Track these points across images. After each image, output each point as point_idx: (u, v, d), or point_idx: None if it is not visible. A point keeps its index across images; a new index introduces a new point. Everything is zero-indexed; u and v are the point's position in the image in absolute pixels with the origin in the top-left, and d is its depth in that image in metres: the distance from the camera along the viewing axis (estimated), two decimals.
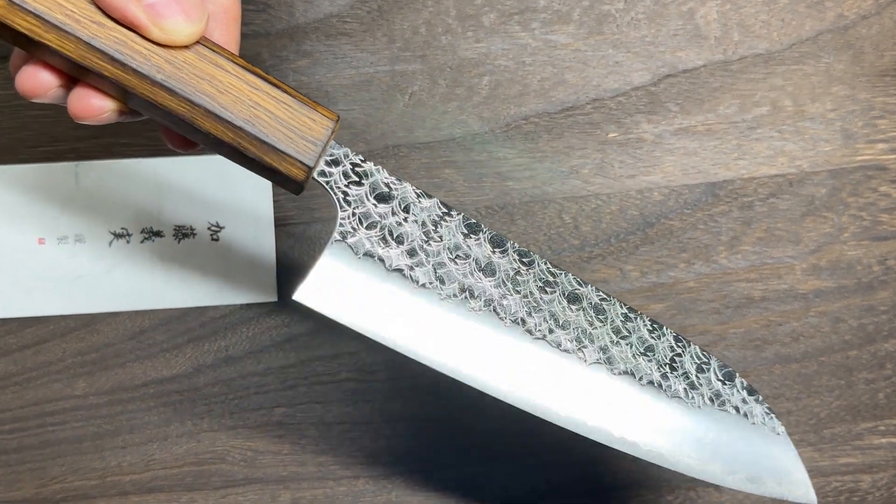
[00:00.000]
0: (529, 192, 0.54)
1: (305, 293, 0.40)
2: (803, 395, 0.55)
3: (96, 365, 0.53)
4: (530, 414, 0.41)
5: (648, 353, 0.44)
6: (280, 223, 0.54)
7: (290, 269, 0.54)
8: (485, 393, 0.41)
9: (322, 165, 0.41)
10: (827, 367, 0.55)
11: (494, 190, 0.54)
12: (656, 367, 0.44)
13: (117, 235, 0.53)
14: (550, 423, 0.41)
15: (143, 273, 0.53)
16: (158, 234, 0.53)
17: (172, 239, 0.53)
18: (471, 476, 0.54)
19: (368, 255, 0.41)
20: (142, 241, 0.53)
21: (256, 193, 0.54)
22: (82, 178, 0.53)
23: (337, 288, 0.41)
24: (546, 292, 0.43)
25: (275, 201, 0.54)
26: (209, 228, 0.53)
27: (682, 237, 0.55)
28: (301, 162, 0.40)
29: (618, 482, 0.54)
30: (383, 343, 0.41)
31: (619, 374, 0.43)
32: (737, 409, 0.45)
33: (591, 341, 0.43)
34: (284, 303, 0.53)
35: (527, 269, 0.43)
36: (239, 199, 0.54)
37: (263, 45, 0.54)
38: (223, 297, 0.54)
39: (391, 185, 0.42)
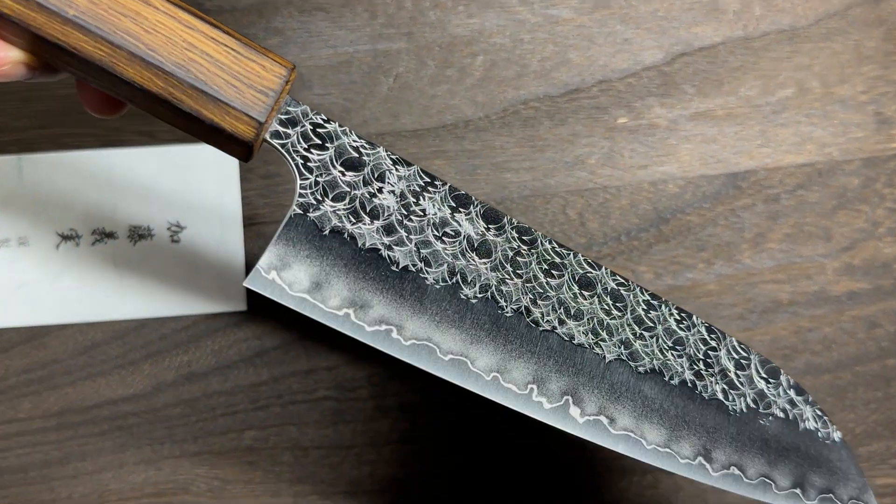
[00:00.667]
0: (529, 186, 0.52)
1: (258, 278, 0.36)
2: (837, 409, 0.53)
3: (42, 384, 0.51)
4: (538, 424, 0.38)
5: (678, 348, 0.40)
6: (249, 222, 0.51)
7: None
8: (482, 405, 0.37)
9: (275, 125, 0.37)
10: (863, 378, 0.53)
11: (490, 183, 0.52)
12: (688, 363, 0.40)
13: (65, 237, 0.51)
14: (564, 434, 0.38)
15: (94, 280, 0.51)
16: (111, 235, 0.51)
17: (127, 241, 0.51)
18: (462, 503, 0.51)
19: (336, 231, 0.37)
20: (93, 244, 0.51)
21: (222, 188, 0.51)
22: (26, 173, 0.50)
23: (298, 271, 0.37)
24: (553, 276, 0.39)
25: (243, 197, 0.51)
26: (169, 228, 0.51)
27: (700, 234, 0.52)
28: (249, 116, 0.35)
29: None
30: (357, 337, 0.37)
31: (645, 372, 0.39)
32: (784, 412, 0.41)
33: (610, 334, 0.39)
34: (254, 312, 0.51)
35: (529, 249, 0.39)
36: (202, 195, 0.51)
37: (229, 22, 0.51)
38: (185, 307, 0.51)
39: (362, 150, 0.38)
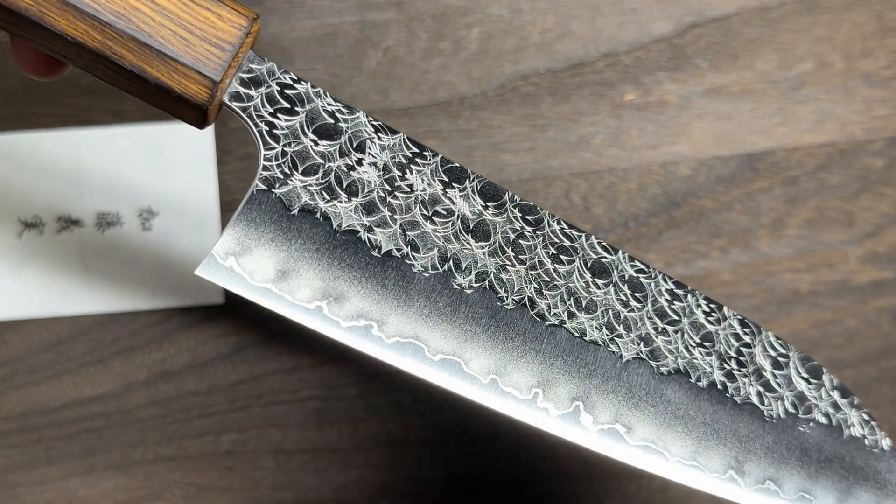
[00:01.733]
0: (530, 168, 0.50)
1: (213, 266, 0.32)
2: None
3: (4, 383, 0.49)
4: (543, 434, 0.34)
5: (706, 344, 0.36)
6: (227, 208, 0.49)
7: None
8: (480, 405, 0.34)
9: (235, 85, 0.33)
10: (888, 374, 0.51)
11: (487, 165, 0.49)
12: (718, 362, 0.36)
13: (28, 225, 0.48)
14: (571, 446, 0.34)
15: (59, 271, 0.48)
16: (77, 222, 0.48)
17: (95, 229, 0.48)
18: None
19: (307, 210, 0.33)
20: (58, 232, 0.48)
21: (197, 171, 0.48)
22: None
23: (260, 257, 0.32)
24: (561, 262, 0.35)
25: (220, 181, 0.49)
26: (139, 215, 0.48)
27: (714, 220, 0.50)
28: (201, 73, 0.31)
29: None
30: (330, 335, 0.33)
31: (669, 373, 0.35)
32: (828, 417, 0.37)
33: (628, 329, 0.35)
34: (232, 306, 0.49)
35: (534, 231, 0.35)
36: (175, 179, 0.48)
37: None
38: (157, 300, 0.49)
39: (338, 115, 0.34)
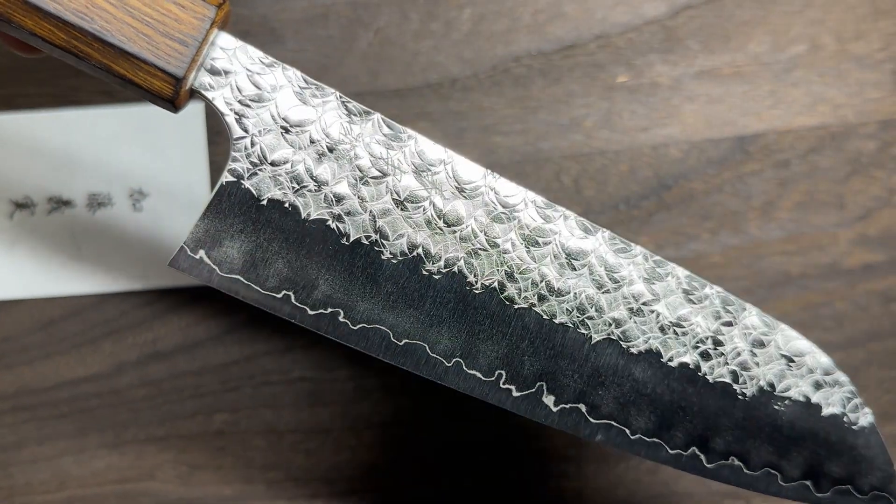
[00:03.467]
0: (521, 150, 0.49)
1: (184, 258, 0.33)
2: None
3: None
4: (514, 414, 0.35)
5: (683, 324, 0.36)
6: None
7: None
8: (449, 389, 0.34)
9: (204, 72, 0.32)
10: (877, 357, 0.51)
11: (479, 147, 0.49)
12: (693, 342, 0.36)
13: (19, 206, 0.48)
14: (542, 426, 0.34)
15: (50, 251, 0.48)
16: (69, 203, 0.48)
17: (86, 209, 0.48)
18: (450, 493, 0.49)
19: (275, 201, 0.33)
20: (49, 213, 0.48)
21: (187, 152, 0.48)
22: None
23: (230, 249, 0.33)
24: (538, 245, 0.35)
25: (211, 162, 0.48)
26: (130, 196, 0.48)
27: (705, 202, 0.50)
28: (164, 71, 0.31)
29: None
30: (296, 322, 0.33)
31: (639, 353, 0.35)
32: (806, 396, 0.37)
33: (600, 311, 0.35)
34: None
35: (510, 214, 0.35)
36: (166, 160, 0.48)
37: None
38: (148, 280, 0.48)
39: (309, 100, 0.33)
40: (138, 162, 0.48)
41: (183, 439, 0.49)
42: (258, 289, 0.33)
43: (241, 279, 0.33)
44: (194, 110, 0.47)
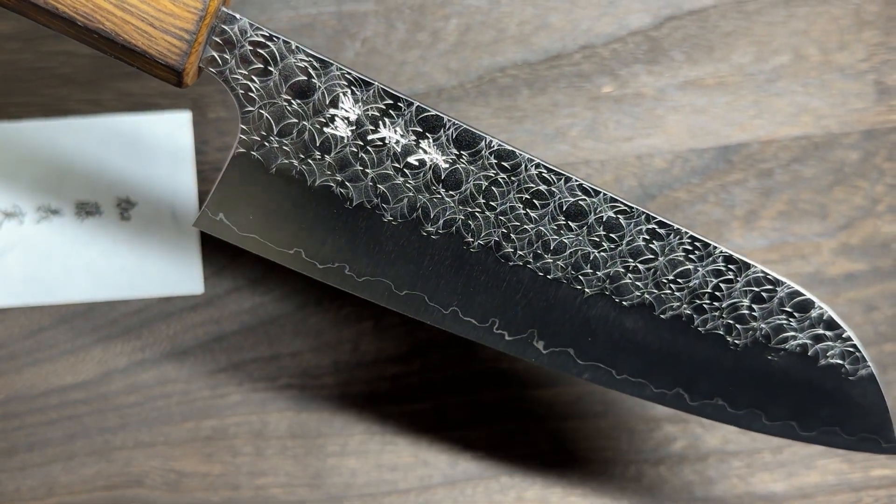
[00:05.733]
0: None
1: (206, 220, 0.36)
2: None
3: None
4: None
5: (679, 281, 0.37)
6: (205, 198, 0.47)
7: (218, 254, 0.49)
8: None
9: (210, 50, 0.34)
10: None
11: None
12: (688, 297, 0.37)
13: (8, 214, 0.48)
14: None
15: (39, 260, 0.48)
16: (57, 212, 0.48)
17: (74, 218, 0.48)
18: (438, 503, 0.50)
19: (283, 169, 0.35)
20: (38, 221, 0.48)
21: (175, 161, 0.48)
22: None
23: (244, 213, 0.36)
24: (535, 206, 0.36)
25: (198, 171, 0.49)
26: (118, 205, 0.48)
27: (689, 211, 0.50)
28: (165, 65, 0.33)
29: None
30: (308, 274, 0.36)
31: (631, 306, 0.37)
32: (803, 347, 0.37)
33: (596, 268, 0.36)
34: (212, 295, 0.49)
35: (509, 177, 0.36)
36: (154, 169, 0.48)
37: None
38: (137, 289, 0.49)
39: (311, 70, 0.35)
40: (126, 171, 0.48)
41: (171, 446, 0.49)
42: (273, 246, 0.36)
43: (258, 238, 0.36)
44: (181, 120, 0.47)
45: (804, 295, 0.37)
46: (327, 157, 0.35)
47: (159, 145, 0.48)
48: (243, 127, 0.35)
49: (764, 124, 0.50)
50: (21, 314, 0.49)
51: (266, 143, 0.35)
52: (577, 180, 0.36)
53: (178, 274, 0.48)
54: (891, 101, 0.50)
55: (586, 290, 0.36)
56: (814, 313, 0.37)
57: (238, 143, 0.35)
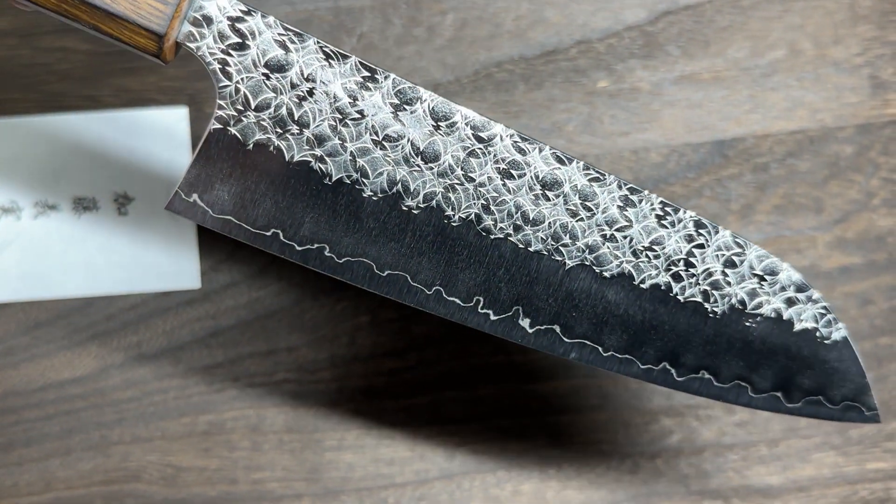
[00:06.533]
0: None
1: (179, 201, 0.35)
2: None
3: None
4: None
5: (655, 248, 0.37)
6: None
7: (215, 250, 0.49)
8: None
9: (187, 26, 0.34)
10: None
11: None
12: (665, 264, 0.37)
13: (5, 210, 0.48)
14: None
15: (37, 255, 0.48)
16: (54, 207, 0.48)
17: (71, 213, 0.48)
18: (435, 497, 0.50)
19: (261, 145, 0.35)
20: (35, 217, 0.48)
21: (172, 157, 0.48)
22: None
23: (220, 192, 0.35)
24: (512, 177, 0.36)
25: None
26: (115, 200, 0.48)
27: (685, 206, 0.49)
28: (147, 30, 0.33)
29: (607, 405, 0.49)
30: (286, 257, 0.35)
31: (612, 276, 0.37)
32: (778, 312, 0.38)
33: (574, 238, 0.37)
34: (209, 290, 0.49)
35: (485, 148, 0.36)
36: (151, 164, 0.48)
37: None
38: (134, 284, 0.49)
39: (289, 45, 0.35)
40: (123, 166, 0.48)
41: (168, 441, 0.49)
42: (249, 227, 0.35)
43: (233, 219, 0.35)
44: (178, 115, 0.47)
45: (771, 257, 0.38)
46: (305, 132, 0.35)
47: (156, 141, 0.48)
48: (220, 102, 0.34)
49: (759, 119, 0.50)
50: (18, 309, 0.49)
51: (243, 118, 0.34)
52: (550, 149, 0.36)
53: (175, 269, 0.48)
54: (885, 95, 0.51)
55: (567, 261, 0.37)
56: (783, 276, 0.38)
57: (215, 118, 0.34)
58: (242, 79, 0.34)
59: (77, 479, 0.49)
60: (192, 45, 0.34)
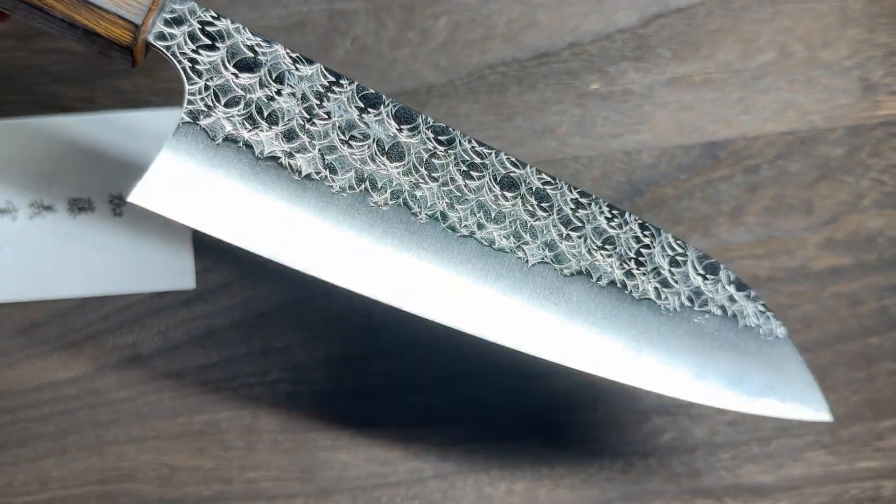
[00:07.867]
0: None
1: (144, 192, 0.35)
2: None
3: None
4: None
5: (608, 247, 0.39)
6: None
7: (209, 250, 0.49)
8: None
9: (160, 25, 0.35)
10: (844, 357, 0.51)
11: None
12: (618, 263, 0.39)
13: (1, 211, 0.49)
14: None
15: (32, 256, 0.49)
16: (50, 208, 0.49)
17: (67, 214, 0.49)
18: (428, 496, 0.50)
19: (230, 140, 0.36)
20: (30, 217, 0.49)
21: None
22: None
23: (190, 185, 0.35)
24: (472, 178, 0.38)
25: None
26: (111, 201, 0.49)
27: (675, 207, 0.50)
28: (124, 19, 0.34)
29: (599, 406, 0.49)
30: (253, 251, 0.35)
31: (571, 274, 0.38)
32: (723, 309, 0.40)
33: (534, 236, 0.38)
34: (203, 291, 0.49)
35: (446, 150, 0.38)
36: (146, 166, 0.47)
37: None
38: (129, 285, 0.49)
39: (257, 49, 0.36)
40: (118, 168, 0.48)
41: (163, 440, 0.49)
42: (216, 222, 0.35)
43: (202, 213, 0.35)
44: (173, 117, 0.48)
45: (710, 258, 0.40)
46: (274, 129, 0.36)
47: (151, 142, 0.48)
48: (190, 98, 0.35)
49: (750, 120, 0.51)
50: (14, 309, 0.49)
51: (213, 113, 0.35)
52: (506, 155, 0.38)
53: (169, 269, 0.48)
54: (875, 97, 0.51)
55: (529, 259, 0.38)
56: (722, 275, 0.40)
57: (184, 112, 0.35)
58: (212, 77, 0.36)
59: (72, 478, 0.49)
60: (162, 45, 0.35)
